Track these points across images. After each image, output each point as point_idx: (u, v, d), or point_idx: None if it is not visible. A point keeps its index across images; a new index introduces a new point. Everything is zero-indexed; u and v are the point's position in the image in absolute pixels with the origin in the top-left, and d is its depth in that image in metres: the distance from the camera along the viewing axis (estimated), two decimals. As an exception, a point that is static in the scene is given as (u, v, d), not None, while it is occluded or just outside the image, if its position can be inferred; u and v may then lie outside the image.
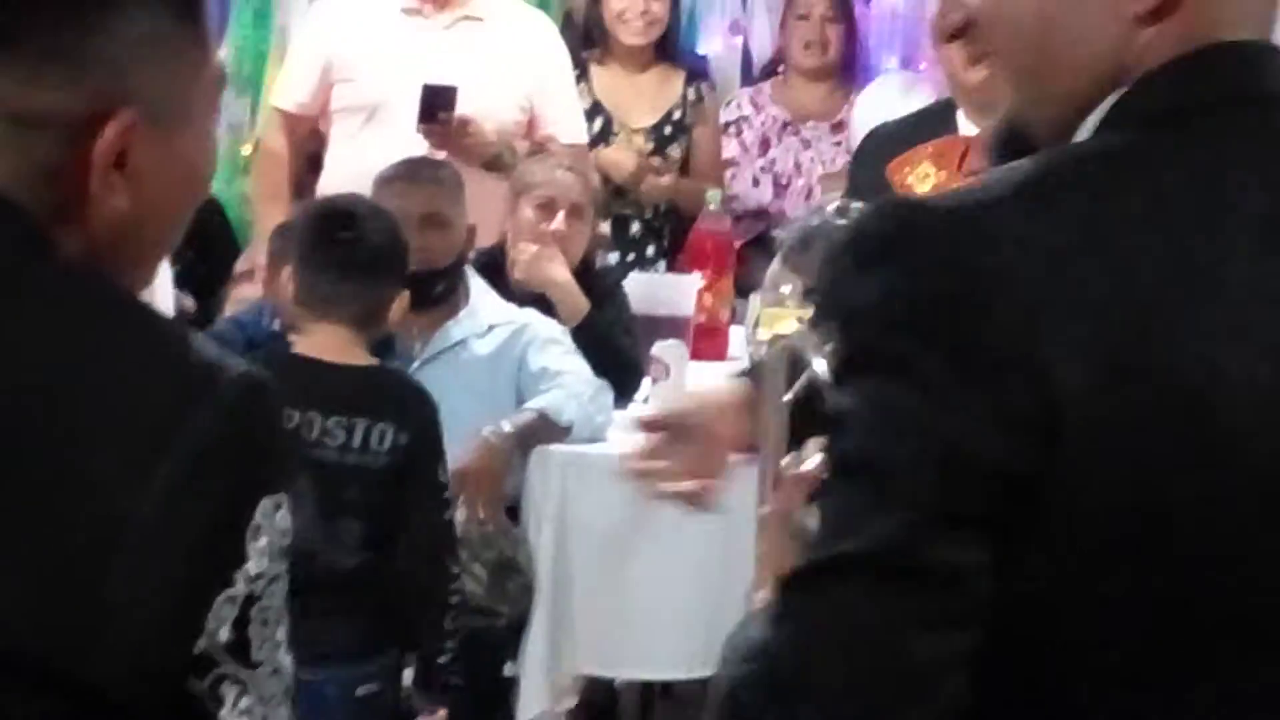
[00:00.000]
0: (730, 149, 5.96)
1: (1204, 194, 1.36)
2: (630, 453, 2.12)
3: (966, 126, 2.61)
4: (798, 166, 5.97)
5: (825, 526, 1.35)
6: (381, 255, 3.76)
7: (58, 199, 1.37)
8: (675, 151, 5.81)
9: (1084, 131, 1.41)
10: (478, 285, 4.52)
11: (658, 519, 4.13)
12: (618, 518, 4.14)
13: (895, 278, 1.31)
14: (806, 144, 5.97)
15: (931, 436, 1.28)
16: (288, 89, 5.26)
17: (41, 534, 1.30)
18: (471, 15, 5.17)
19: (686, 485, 2.08)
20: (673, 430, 2.09)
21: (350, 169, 4.97)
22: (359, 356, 3.75)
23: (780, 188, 5.89)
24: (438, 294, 4.45)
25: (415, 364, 4.38)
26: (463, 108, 4.95)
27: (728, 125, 5.99)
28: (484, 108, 5.02)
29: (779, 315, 4.17)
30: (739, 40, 6.55)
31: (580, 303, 4.59)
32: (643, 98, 5.80)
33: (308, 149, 5.33)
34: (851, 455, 1.32)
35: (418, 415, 3.79)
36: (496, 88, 5.11)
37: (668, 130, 5.80)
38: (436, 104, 4.92)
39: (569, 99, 5.35)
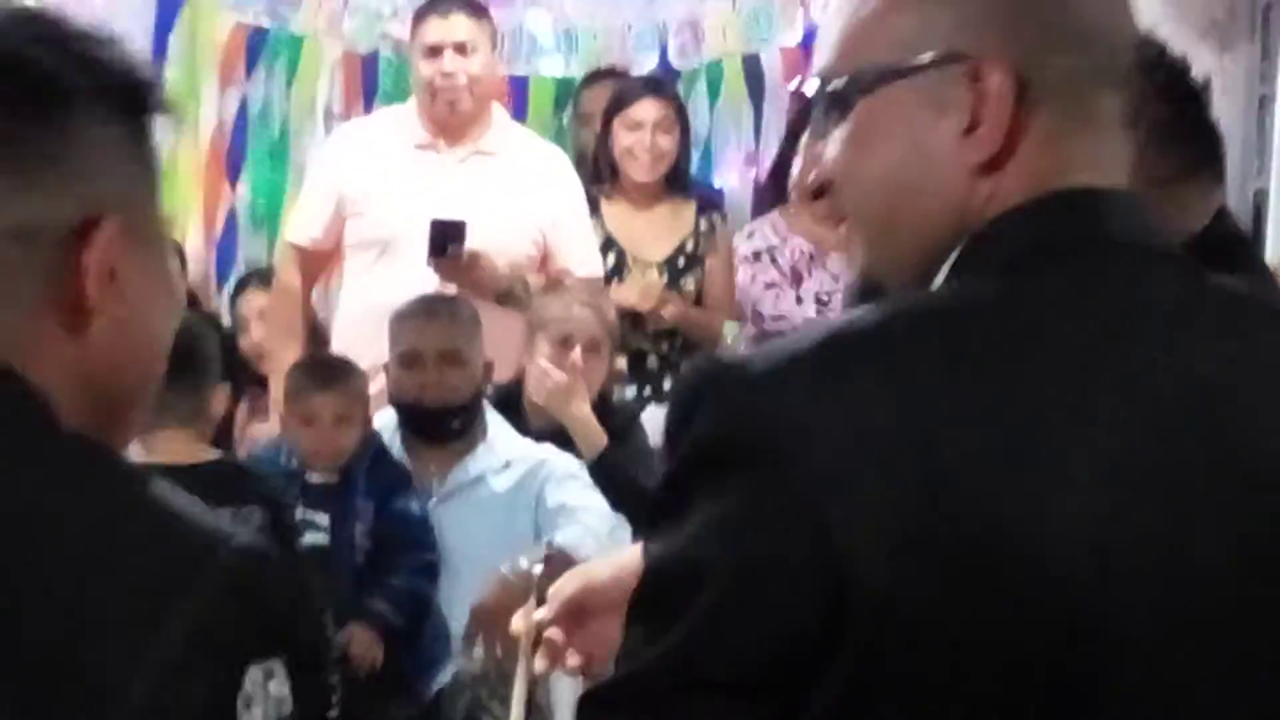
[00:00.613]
0: (769, 274, 5.94)
1: (1026, 342, 1.33)
2: (526, 620, 2.05)
3: None
4: (830, 294, 5.97)
5: (620, 655, 1.37)
6: (192, 358, 3.83)
7: (57, 316, 1.34)
8: (689, 284, 5.80)
9: (936, 285, 1.42)
10: (494, 421, 4.52)
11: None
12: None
13: (697, 433, 1.33)
14: (835, 278, 5.97)
15: (714, 593, 1.29)
16: (301, 224, 5.28)
17: (29, 714, 1.25)
18: (484, 150, 5.19)
19: (576, 661, 2.00)
20: (584, 610, 2.00)
21: (364, 303, 4.98)
22: (207, 453, 4.00)
23: (822, 305, 5.88)
24: (455, 430, 4.45)
25: (433, 500, 4.37)
26: (475, 242, 4.96)
27: (758, 254, 5.97)
28: (496, 242, 5.03)
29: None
30: (754, 172, 6.58)
31: (599, 438, 4.57)
32: (654, 231, 5.80)
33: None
34: (643, 598, 1.35)
35: (274, 498, 3.95)
36: (509, 222, 5.12)
37: (681, 262, 5.79)
38: (446, 239, 4.93)
39: (583, 232, 5.36)
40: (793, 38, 6.53)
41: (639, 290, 5.61)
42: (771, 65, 6.58)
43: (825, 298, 5.89)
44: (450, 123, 5.14)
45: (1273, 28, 5.83)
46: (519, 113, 6.42)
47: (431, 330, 4.47)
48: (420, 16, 5.22)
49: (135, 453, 3.82)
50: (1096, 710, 1.29)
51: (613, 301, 5.33)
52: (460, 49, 5.09)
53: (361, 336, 4.92)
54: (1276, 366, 1.40)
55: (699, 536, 1.31)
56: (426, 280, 4.90)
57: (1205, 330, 1.39)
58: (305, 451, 4.30)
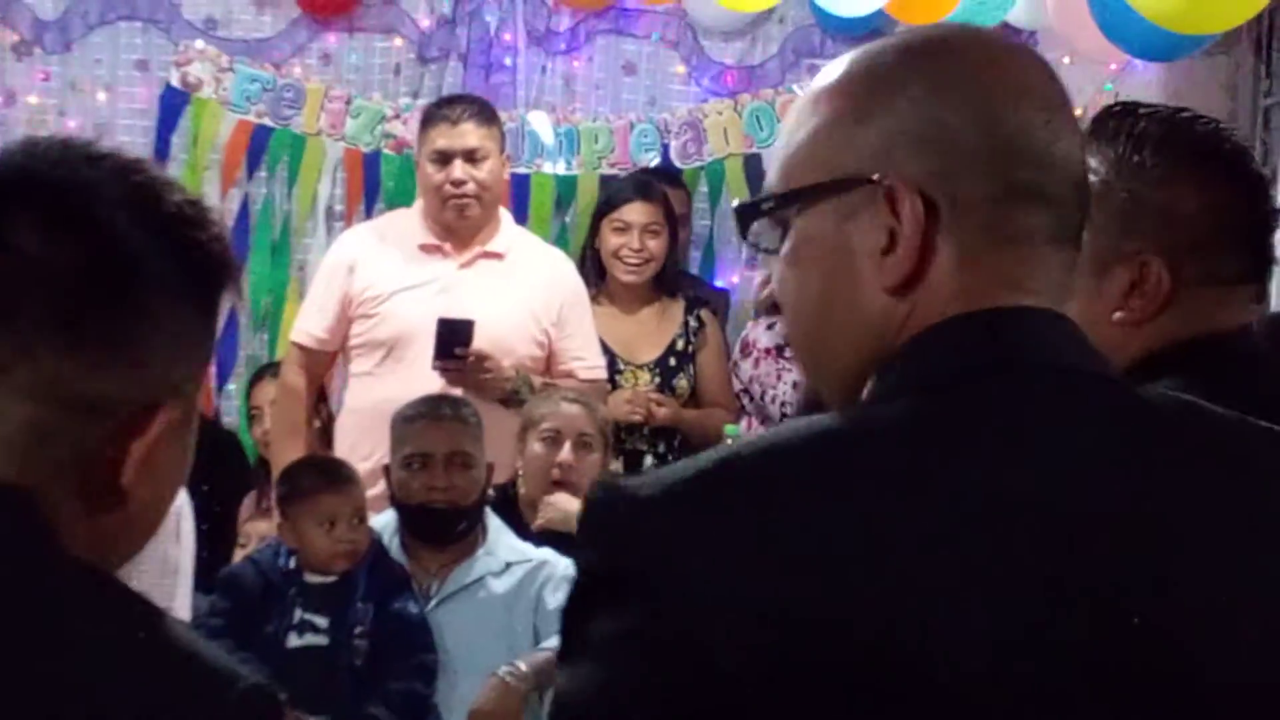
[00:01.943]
0: (796, 372, 5.91)
1: (920, 467, 1.33)
2: None
3: None
4: None
5: None
6: None
7: (85, 489, 1.34)
8: (683, 382, 5.78)
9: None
10: (494, 523, 4.50)
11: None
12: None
13: (585, 559, 1.38)
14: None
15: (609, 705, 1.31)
16: (307, 324, 5.26)
17: None
18: (491, 251, 5.19)
19: None
20: None
21: (369, 403, 4.97)
22: None
23: None
24: (460, 532, 4.42)
25: (432, 603, 4.34)
26: (481, 342, 4.96)
27: (783, 349, 5.95)
28: (502, 342, 5.03)
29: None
30: (755, 274, 6.58)
31: None
32: (644, 333, 5.79)
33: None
34: None
35: None
36: (515, 322, 5.12)
37: (672, 362, 5.78)
38: (453, 340, 4.93)
39: (588, 333, 5.36)
40: (794, 138, 6.55)
41: (626, 401, 5.59)
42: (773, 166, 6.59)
43: None
44: (458, 227, 5.14)
45: (1276, 35, 5.83)
46: (520, 210, 6.43)
47: (440, 432, 4.45)
48: (429, 119, 5.21)
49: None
50: None
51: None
52: (470, 156, 5.09)
53: (367, 437, 4.92)
54: (1189, 497, 1.38)
55: (591, 663, 1.33)
56: (431, 381, 4.91)
57: (1113, 455, 1.37)
58: (313, 554, 4.28)
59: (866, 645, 1.27)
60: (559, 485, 4.65)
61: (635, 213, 5.65)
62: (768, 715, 1.27)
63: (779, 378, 5.88)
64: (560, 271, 5.34)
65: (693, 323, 5.82)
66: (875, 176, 1.41)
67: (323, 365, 5.31)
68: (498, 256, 5.19)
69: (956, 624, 1.28)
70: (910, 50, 1.46)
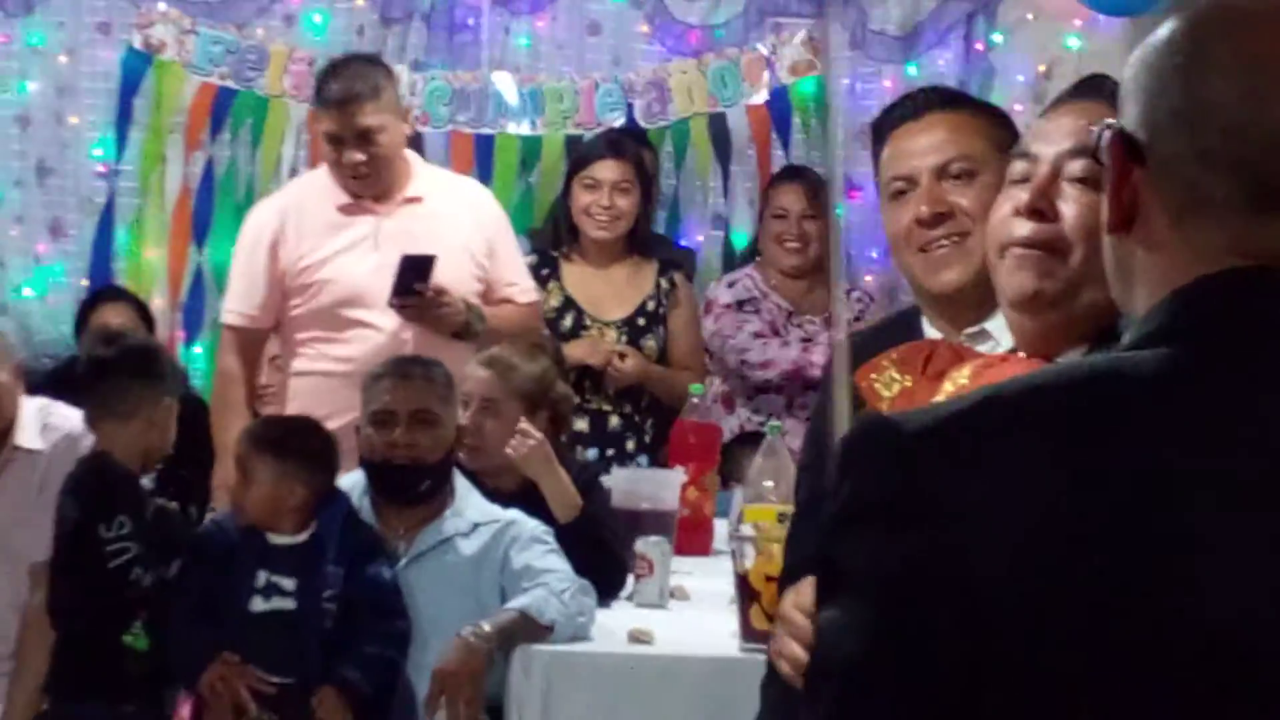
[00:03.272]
0: (754, 324, 5.94)
1: (1197, 414, 1.37)
2: None
3: (930, 331, 2.61)
4: (798, 366, 5.98)
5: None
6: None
7: None
8: (650, 342, 5.80)
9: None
10: (462, 484, 4.50)
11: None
12: (602, 718, 4.08)
13: (851, 490, 1.40)
14: (809, 340, 5.98)
15: (880, 641, 1.35)
16: (238, 305, 5.16)
17: None
18: (410, 197, 5.15)
19: None
20: None
21: (320, 366, 4.99)
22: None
23: (806, 342, 5.89)
24: (424, 491, 4.43)
25: (401, 563, 4.35)
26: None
27: (742, 304, 5.97)
28: (446, 280, 5.01)
29: (761, 512, 4.19)
30: (720, 233, 6.60)
31: (574, 499, 4.56)
32: (614, 291, 5.80)
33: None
34: (812, 665, 1.43)
35: None
36: (455, 262, 5.08)
37: (641, 322, 5.80)
38: (414, 275, 4.92)
39: (516, 257, 5.37)
40: (758, 97, 6.55)
41: (588, 345, 5.60)
42: (738, 124, 6.60)
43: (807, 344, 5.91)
44: (368, 191, 5.11)
45: None
46: (484, 171, 6.45)
47: (405, 390, 4.46)
48: (318, 94, 5.09)
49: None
50: None
51: (566, 358, 5.33)
52: (363, 136, 5.01)
53: (321, 400, 4.91)
54: None
55: (861, 586, 1.37)
56: (381, 335, 4.94)
57: None
58: (252, 514, 4.28)
59: (1141, 597, 1.31)
60: (468, 450, 4.61)
61: (606, 170, 5.67)
62: (1030, 659, 1.31)
63: (739, 328, 5.91)
64: (480, 201, 5.33)
65: (665, 284, 5.84)
66: None
67: (258, 345, 5.22)
68: (418, 201, 5.15)
69: (1239, 578, 1.31)
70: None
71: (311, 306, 5.08)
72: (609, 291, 5.79)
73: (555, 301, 5.75)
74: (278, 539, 4.28)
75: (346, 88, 5.01)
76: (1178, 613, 1.31)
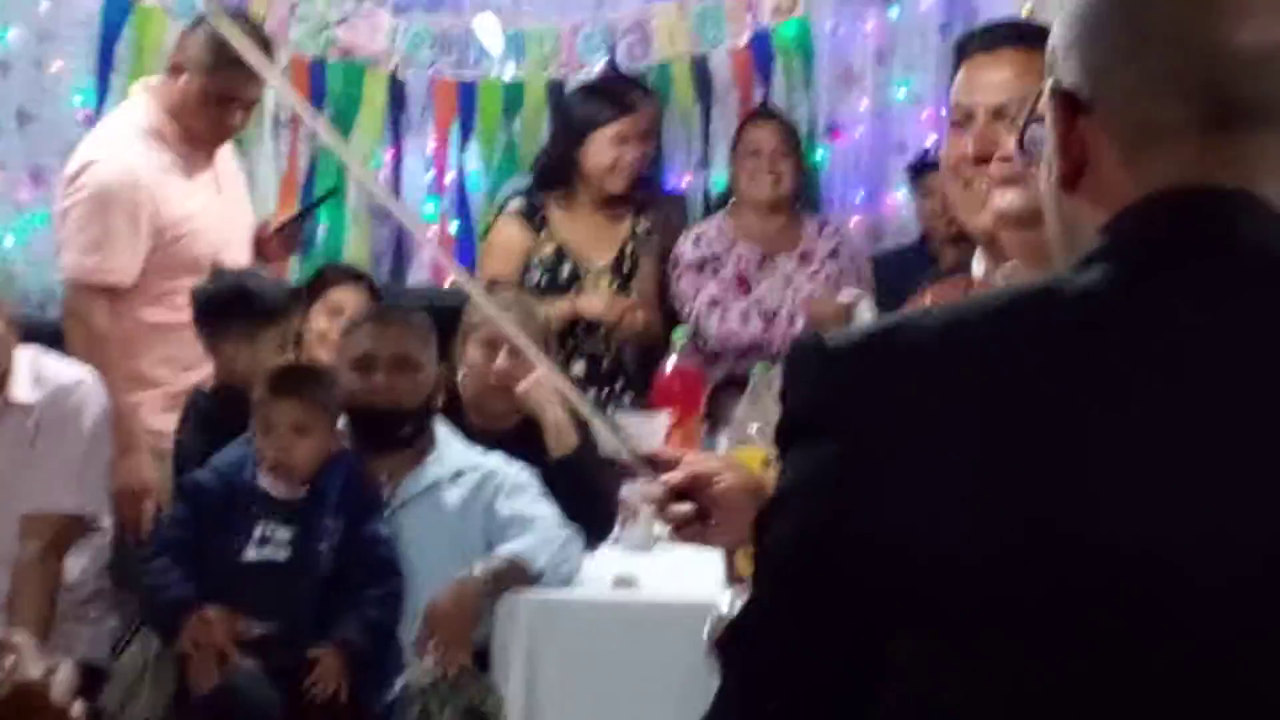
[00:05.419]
0: (711, 288, 5.94)
1: (1119, 335, 1.37)
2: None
3: (976, 268, 2.60)
4: (777, 308, 5.98)
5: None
6: None
7: None
8: (635, 285, 5.84)
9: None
10: (442, 430, 4.52)
11: (628, 666, 4.11)
12: (587, 666, 4.11)
13: (788, 404, 1.44)
14: (787, 279, 5.98)
15: (779, 557, 1.42)
16: (119, 263, 4.97)
17: None
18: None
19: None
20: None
21: (176, 319, 4.96)
22: None
23: (767, 321, 5.89)
24: (405, 436, 4.45)
25: (389, 511, 4.36)
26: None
27: (703, 263, 5.98)
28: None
29: (747, 455, 4.19)
30: (703, 175, 6.59)
31: (570, 437, 4.58)
32: (599, 236, 5.82)
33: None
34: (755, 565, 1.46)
35: None
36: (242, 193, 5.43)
37: (626, 267, 5.83)
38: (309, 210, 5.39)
39: None
40: (741, 40, 6.53)
41: (604, 303, 5.64)
42: (720, 68, 6.58)
43: (770, 313, 5.90)
44: (209, 147, 5.17)
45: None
46: (467, 117, 6.42)
47: (385, 336, 4.48)
48: (220, 56, 4.92)
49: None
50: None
51: (576, 311, 5.39)
52: (251, 104, 5.14)
53: (190, 347, 4.90)
54: None
55: (783, 499, 1.42)
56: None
57: None
58: (265, 460, 4.29)
59: (1045, 521, 1.32)
60: (497, 390, 4.67)
61: (640, 121, 5.78)
62: (935, 586, 1.33)
63: (696, 292, 5.91)
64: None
65: (639, 228, 5.87)
66: None
67: (123, 303, 5.03)
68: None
69: (1145, 500, 1.32)
70: None
71: (183, 259, 5.01)
72: (592, 237, 5.81)
73: (549, 250, 5.76)
74: (279, 491, 4.29)
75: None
76: (1080, 537, 1.32)
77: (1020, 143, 1.57)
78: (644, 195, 6.07)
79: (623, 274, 5.82)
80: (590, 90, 6.12)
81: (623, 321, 5.68)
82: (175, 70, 5.12)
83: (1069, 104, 1.45)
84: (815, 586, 1.38)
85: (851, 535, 1.36)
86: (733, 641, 1.46)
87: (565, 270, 5.77)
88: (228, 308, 4.71)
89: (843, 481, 1.37)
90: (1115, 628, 1.31)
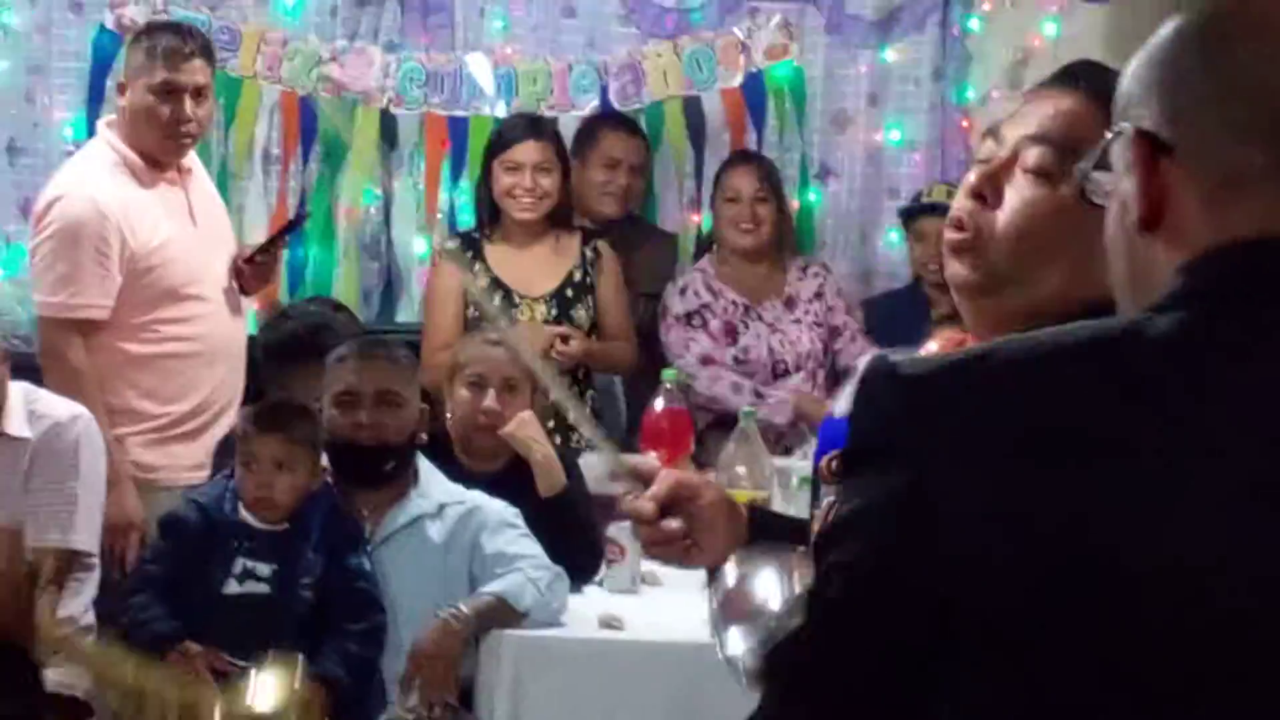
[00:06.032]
0: (702, 343, 5.93)
1: (1196, 376, 1.38)
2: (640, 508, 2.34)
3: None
4: (770, 350, 5.96)
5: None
6: None
7: None
8: (581, 313, 5.76)
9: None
10: (424, 465, 4.51)
11: (613, 707, 4.08)
12: (572, 705, 4.08)
13: (857, 427, 1.46)
14: (772, 327, 5.96)
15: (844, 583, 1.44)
16: (94, 298, 4.93)
17: None
18: (185, 165, 5.19)
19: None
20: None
21: (167, 350, 4.96)
22: None
23: (758, 397, 5.83)
24: (389, 471, 4.43)
25: (371, 545, 4.34)
26: (229, 244, 5.29)
27: (690, 316, 5.96)
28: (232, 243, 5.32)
29: (735, 496, 4.17)
30: (696, 217, 6.58)
31: (560, 476, 4.56)
32: (539, 267, 5.77)
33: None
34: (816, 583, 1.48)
35: None
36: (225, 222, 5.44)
37: (569, 293, 5.76)
38: (283, 235, 5.39)
39: None
40: (734, 82, 6.53)
41: (527, 332, 5.56)
42: (712, 109, 6.58)
43: (757, 368, 5.89)
44: (170, 160, 5.11)
45: None
46: (459, 154, 6.42)
47: (369, 371, 4.47)
48: (153, 49, 5.02)
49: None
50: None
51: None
52: (197, 93, 5.05)
53: (171, 379, 4.95)
54: None
55: (851, 523, 1.44)
56: (220, 306, 5.09)
57: None
58: (246, 495, 4.27)
59: (1095, 541, 1.34)
60: (485, 430, 4.65)
61: (527, 152, 5.65)
62: (993, 613, 1.36)
63: (686, 346, 5.89)
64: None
65: (589, 254, 5.80)
66: None
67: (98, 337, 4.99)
68: (189, 172, 5.23)
69: (1231, 541, 1.33)
70: None
71: (160, 289, 4.98)
72: (534, 267, 5.76)
73: (482, 282, 5.73)
74: (261, 524, 4.26)
75: (192, 42, 5.09)
76: (1143, 576, 1.33)
77: (1082, 191, 1.57)
78: (653, 237, 6.05)
79: (567, 299, 5.75)
80: (506, 120, 6.11)
81: (551, 349, 5.59)
82: (121, 90, 5.13)
83: (1151, 146, 1.46)
84: (882, 608, 1.41)
85: (920, 559, 1.38)
86: (790, 657, 1.48)
87: (497, 301, 5.73)
88: (300, 344, 4.74)
89: (913, 508, 1.39)
90: (1181, 670, 1.33)
